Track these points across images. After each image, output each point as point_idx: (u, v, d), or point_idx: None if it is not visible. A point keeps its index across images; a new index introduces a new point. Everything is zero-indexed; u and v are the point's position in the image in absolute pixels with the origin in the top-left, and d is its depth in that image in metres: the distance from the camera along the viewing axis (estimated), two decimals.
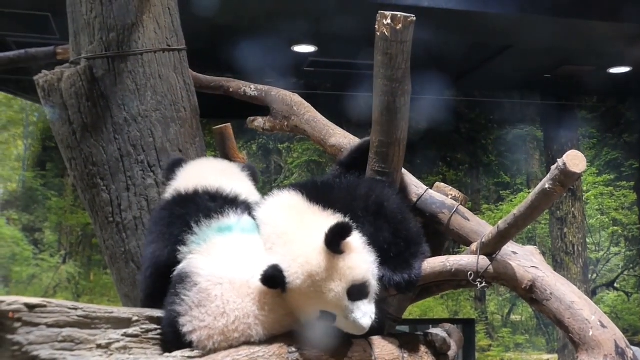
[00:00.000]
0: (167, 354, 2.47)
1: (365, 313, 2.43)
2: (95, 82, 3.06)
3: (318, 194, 2.63)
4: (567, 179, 2.28)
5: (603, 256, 9.48)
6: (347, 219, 2.48)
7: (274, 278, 2.38)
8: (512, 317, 9.11)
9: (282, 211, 2.63)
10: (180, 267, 2.54)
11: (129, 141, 3.06)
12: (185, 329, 2.43)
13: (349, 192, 2.65)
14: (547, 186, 2.33)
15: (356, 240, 2.47)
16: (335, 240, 2.38)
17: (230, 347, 2.40)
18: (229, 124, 3.59)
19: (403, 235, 2.59)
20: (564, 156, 2.27)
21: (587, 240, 9.46)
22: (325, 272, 2.40)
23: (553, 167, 2.31)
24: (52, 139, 7.58)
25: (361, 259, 2.44)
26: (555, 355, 9.09)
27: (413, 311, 8.48)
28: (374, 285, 2.46)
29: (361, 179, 2.76)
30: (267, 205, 2.69)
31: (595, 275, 9.42)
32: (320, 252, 2.39)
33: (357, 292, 2.42)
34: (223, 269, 2.48)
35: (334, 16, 6.96)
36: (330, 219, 2.50)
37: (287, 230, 2.54)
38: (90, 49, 3.09)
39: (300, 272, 2.40)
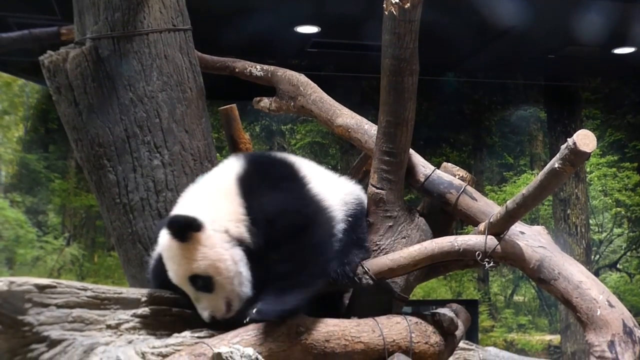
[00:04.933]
0: (176, 334, 2.49)
1: (204, 306, 2.50)
2: (101, 62, 3.04)
3: (256, 181, 2.62)
4: (577, 158, 2.27)
5: (606, 237, 9.48)
6: (242, 216, 2.52)
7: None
8: (515, 298, 9.13)
9: (211, 177, 2.73)
10: None
11: (135, 122, 3.05)
12: None
13: (275, 199, 2.60)
14: (556, 165, 2.32)
15: (216, 237, 2.49)
16: (175, 229, 2.45)
17: None
18: (234, 105, 3.58)
19: (294, 266, 2.52)
20: (574, 135, 2.26)
21: (590, 222, 9.47)
22: (167, 252, 2.52)
23: (563, 147, 2.30)
24: (54, 121, 7.59)
25: (207, 254, 2.47)
26: (558, 336, 9.12)
27: (416, 292, 8.47)
28: (223, 284, 2.48)
29: (306, 196, 2.69)
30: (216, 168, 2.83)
31: (598, 256, 9.44)
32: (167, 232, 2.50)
33: (199, 283, 2.49)
34: None
35: None
36: (225, 208, 2.54)
37: (189, 195, 2.67)
38: (95, 29, 3.07)
39: (159, 242, 2.57)
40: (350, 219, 2.81)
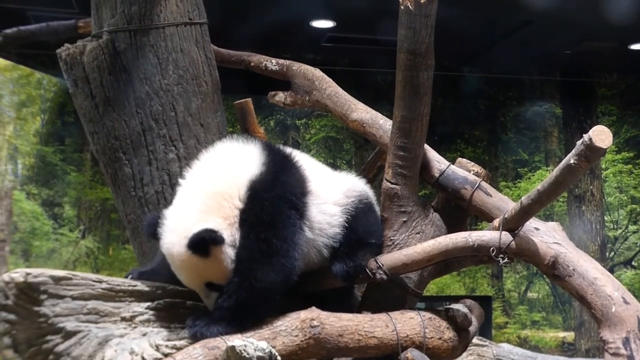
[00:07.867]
0: None
1: (211, 302, 2.51)
2: (118, 55, 3.06)
3: (263, 191, 2.54)
4: (593, 154, 2.26)
5: (621, 234, 9.42)
6: (235, 220, 2.49)
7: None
8: (529, 294, 9.09)
9: (224, 168, 2.60)
10: None
11: (151, 115, 3.07)
12: None
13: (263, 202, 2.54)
14: (572, 161, 2.31)
15: (228, 251, 2.47)
16: (199, 247, 2.42)
17: None
18: (249, 99, 3.58)
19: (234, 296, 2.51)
20: (590, 131, 2.25)
21: (605, 219, 9.40)
22: (184, 263, 2.47)
23: (578, 143, 2.29)
24: (70, 114, 7.63)
25: (222, 267, 2.46)
26: (572, 333, 9.08)
27: (430, 288, 8.46)
28: (226, 286, 2.48)
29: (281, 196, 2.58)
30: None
31: (612, 253, 9.38)
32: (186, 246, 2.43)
33: (213, 286, 2.50)
34: None
35: None
36: (227, 210, 2.49)
37: (197, 191, 2.55)
38: (112, 22, 3.09)
39: (166, 247, 2.50)
40: (346, 224, 2.76)
